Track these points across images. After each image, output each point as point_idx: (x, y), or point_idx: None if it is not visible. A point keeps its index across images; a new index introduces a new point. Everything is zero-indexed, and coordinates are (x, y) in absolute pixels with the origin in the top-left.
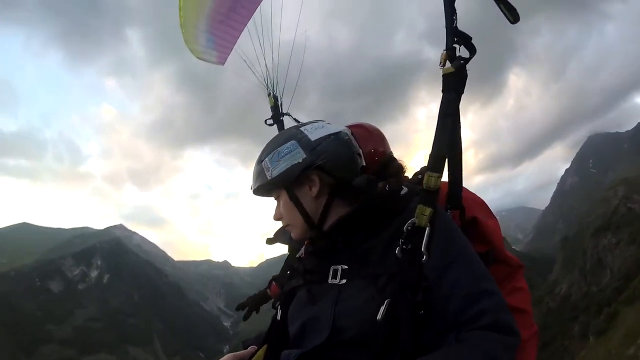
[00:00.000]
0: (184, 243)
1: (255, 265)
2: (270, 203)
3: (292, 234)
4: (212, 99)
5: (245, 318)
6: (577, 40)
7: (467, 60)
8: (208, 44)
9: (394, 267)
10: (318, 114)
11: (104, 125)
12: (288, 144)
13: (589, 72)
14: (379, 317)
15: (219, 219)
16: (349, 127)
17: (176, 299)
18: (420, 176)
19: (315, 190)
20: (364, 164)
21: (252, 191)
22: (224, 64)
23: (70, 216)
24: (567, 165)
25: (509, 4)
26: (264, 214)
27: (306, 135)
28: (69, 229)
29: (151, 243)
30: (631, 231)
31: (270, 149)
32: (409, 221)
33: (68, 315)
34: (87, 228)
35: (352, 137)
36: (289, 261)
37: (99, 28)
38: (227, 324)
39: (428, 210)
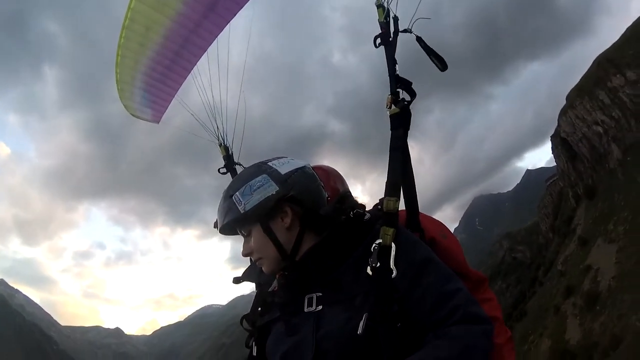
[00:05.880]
0: (69, 306)
1: (149, 333)
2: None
3: (264, 268)
4: (117, 152)
5: None
6: (464, 116)
7: (409, 102)
8: (143, 101)
9: (367, 286)
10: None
11: None
12: (259, 177)
13: (475, 143)
14: (359, 331)
15: (110, 282)
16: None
17: None
18: (379, 206)
19: (287, 221)
20: (328, 196)
21: (218, 229)
22: (158, 122)
23: None
24: (456, 225)
25: (438, 55)
26: (156, 279)
27: (276, 169)
28: None
29: (35, 304)
30: (517, 276)
31: (239, 184)
32: (376, 242)
33: None
34: None
35: (314, 172)
36: (258, 297)
37: (17, 58)
38: None
39: (391, 230)
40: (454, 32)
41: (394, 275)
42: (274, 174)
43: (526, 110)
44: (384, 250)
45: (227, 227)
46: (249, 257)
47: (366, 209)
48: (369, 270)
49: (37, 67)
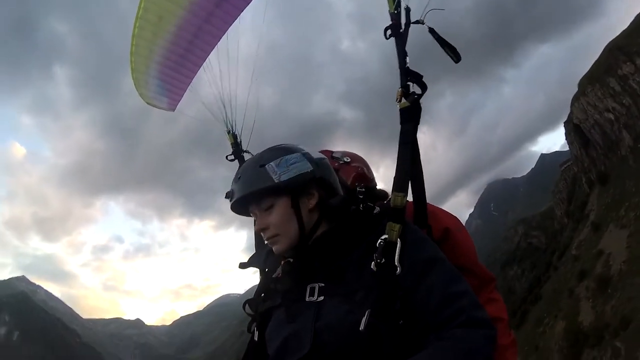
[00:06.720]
0: (90, 299)
1: (168, 323)
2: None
3: (277, 246)
4: (133, 147)
5: None
6: (477, 101)
7: (420, 95)
8: (158, 89)
9: (370, 282)
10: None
11: (11, 165)
12: (294, 154)
13: (488, 127)
14: (361, 327)
15: (129, 275)
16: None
17: None
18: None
19: (312, 202)
20: (349, 184)
21: (233, 200)
22: (174, 110)
23: None
24: (471, 210)
25: (452, 46)
26: (174, 270)
27: (308, 152)
28: None
29: (57, 298)
30: (532, 261)
31: (274, 156)
32: (381, 237)
33: None
34: None
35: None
36: (262, 284)
37: (27, 60)
38: None
39: (397, 226)
40: (464, 16)
41: (397, 272)
42: (307, 155)
43: (539, 93)
44: (389, 246)
45: (248, 198)
46: (254, 243)
47: (386, 198)
48: (373, 266)
49: (48, 68)
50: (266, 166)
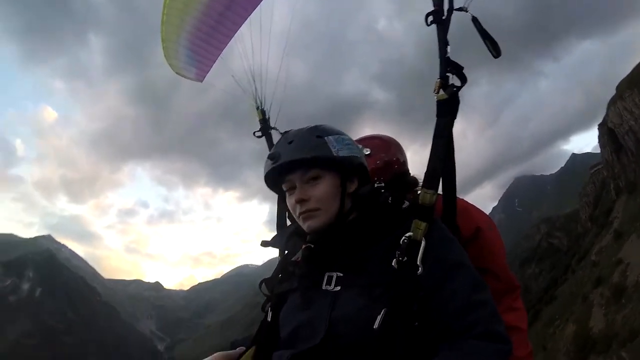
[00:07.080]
0: (113, 260)
1: (186, 288)
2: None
3: (313, 221)
4: (162, 116)
5: None
6: (512, 92)
7: (459, 88)
8: (188, 60)
9: (390, 278)
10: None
11: (42, 128)
12: (348, 137)
13: (521, 120)
14: (375, 325)
15: (152, 239)
16: (367, 138)
17: (110, 320)
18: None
19: (352, 188)
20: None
21: (287, 160)
22: (202, 81)
23: None
24: (495, 204)
25: (494, 40)
26: (195, 237)
27: (354, 141)
28: None
29: (80, 258)
30: (552, 262)
31: (332, 132)
32: (405, 234)
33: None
34: (13, 235)
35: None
36: (281, 264)
37: (63, 27)
38: (160, 347)
39: (423, 225)
40: (505, 4)
41: (419, 272)
42: (354, 142)
43: (576, 90)
44: (413, 244)
45: (298, 163)
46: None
47: (417, 186)
48: (394, 263)
49: (83, 35)
50: (325, 138)
